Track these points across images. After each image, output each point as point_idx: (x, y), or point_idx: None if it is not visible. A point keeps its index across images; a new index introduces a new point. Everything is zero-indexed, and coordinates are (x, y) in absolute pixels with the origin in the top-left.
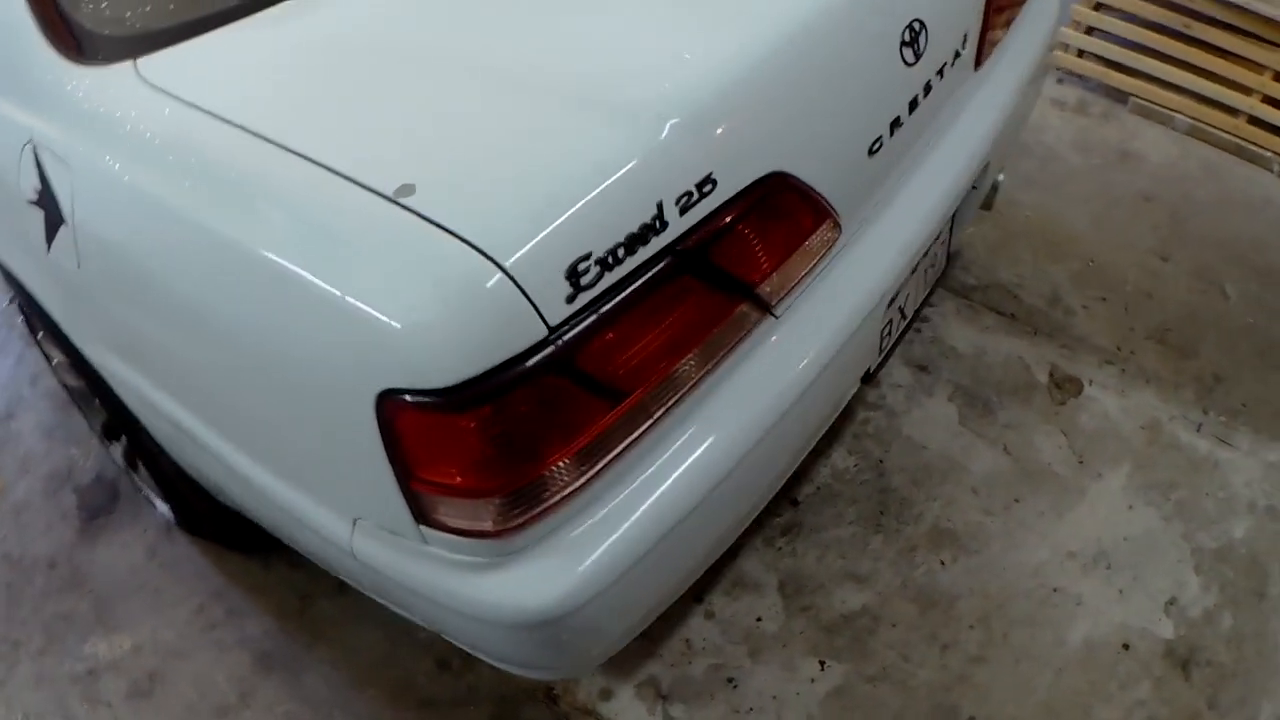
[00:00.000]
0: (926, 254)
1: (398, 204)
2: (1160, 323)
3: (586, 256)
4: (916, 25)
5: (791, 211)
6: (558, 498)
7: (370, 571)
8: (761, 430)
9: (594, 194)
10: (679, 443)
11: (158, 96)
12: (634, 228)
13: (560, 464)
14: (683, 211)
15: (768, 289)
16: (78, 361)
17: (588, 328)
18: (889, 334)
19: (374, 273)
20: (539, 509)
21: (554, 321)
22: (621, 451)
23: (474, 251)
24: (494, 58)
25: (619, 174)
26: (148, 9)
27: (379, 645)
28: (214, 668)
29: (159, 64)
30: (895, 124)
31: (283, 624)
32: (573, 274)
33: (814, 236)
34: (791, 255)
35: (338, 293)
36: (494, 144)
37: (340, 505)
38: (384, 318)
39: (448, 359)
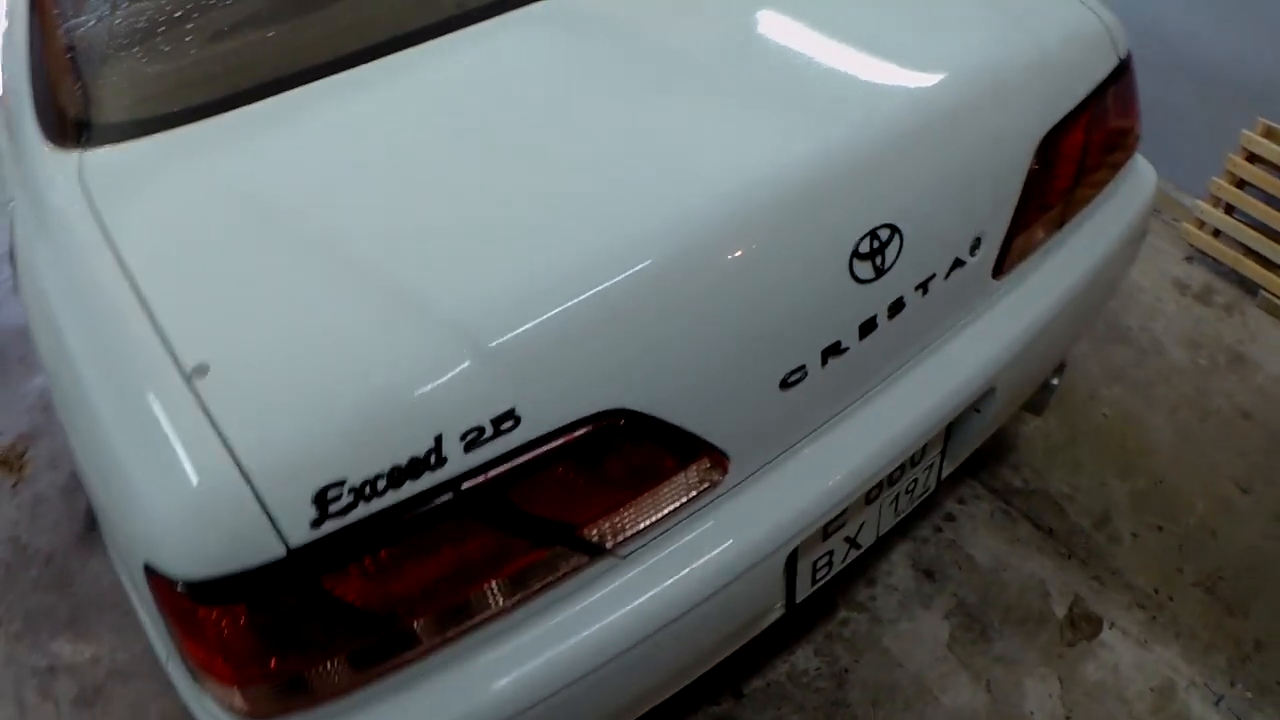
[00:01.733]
0: (888, 484)
1: (188, 383)
2: (1215, 568)
3: (340, 483)
4: (884, 232)
5: (640, 451)
6: (318, 697)
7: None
8: (582, 669)
9: (364, 415)
10: (484, 659)
11: (80, 194)
12: (402, 461)
13: (319, 670)
14: (469, 448)
15: (596, 533)
16: None
17: (335, 555)
18: (826, 565)
19: (151, 449)
20: (296, 704)
21: (294, 544)
22: (399, 666)
23: (229, 456)
24: (353, 232)
25: (398, 400)
26: (115, 97)
27: None
28: (151, 700)
29: (99, 161)
30: (833, 350)
31: None
32: (321, 499)
33: (679, 477)
34: (640, 497)
35: (122, 455)
36: (298, 333)
37: (159, 638)
38: (145, 498)
39: (187, 556)
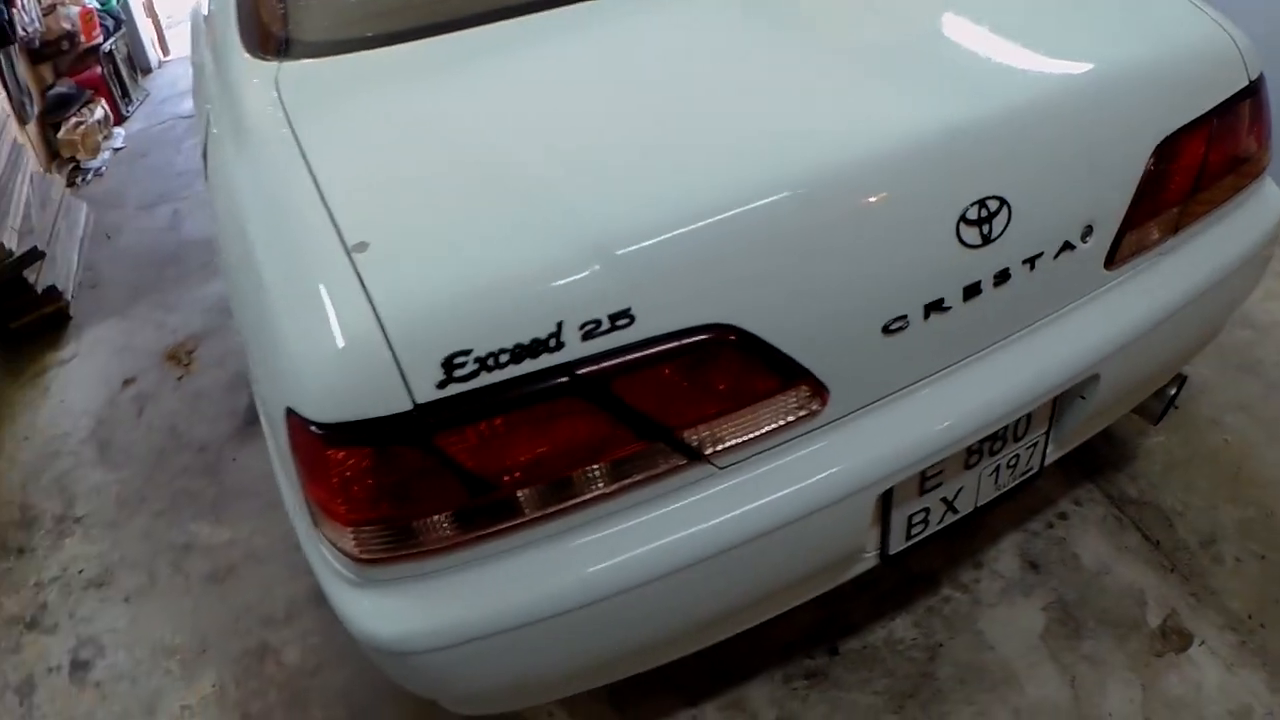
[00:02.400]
0: (988, 453)
1: (349, 256)
2: None
3: (466, 352)
4: (991, 203)
5: (743, 368)
6: (422, 549)
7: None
8: (666, 569)
9: (497, 298)
10: (574, 544)
11: (275, 101)
12: (525, 340)
13: (426, 522)
14: (586, 337)
15: (696, 437)
16: None
17: (455, 416)
18: (923, 522)
19: (307, 306)
20: (400, 552)
21: (421, 400)
22: (496, 533)
23: (375, 319)
24: (517, 148)
25: (530, 287)
26: (312, 19)
27: None
28: (279, 584)
29: (295, 73)
30: (936, 306)
31: None
32: (449, 364)
33: (778, 400)
34: (739, 411)
35: (283, 313)
36: (454, 225)
37: (289, 487)
38: (295, 347)
39: (328, 401)
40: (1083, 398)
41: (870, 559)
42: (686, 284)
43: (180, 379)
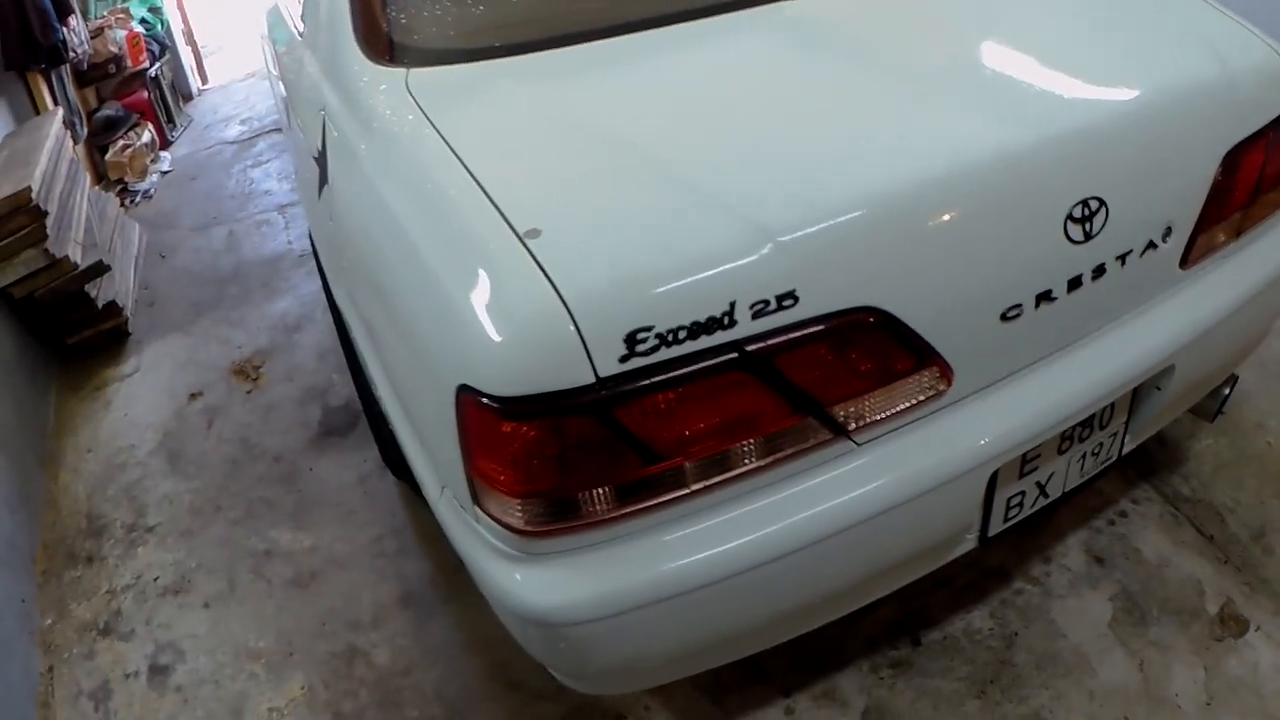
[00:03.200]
0: (1078, 439)
1: (523, 242)
2: None
3: (648, 329)
4: (1094, 203)
5: (885, 348)
6: (583, 522)
7: (448, 534)
8: (806, 540)
9: (676, 279)
10: (722, 519)
11: (409, 104)
12: (701, 318)
13: (590, 494)
14: (755, 316)
15: (841, 413)
16: (329, 296)
17: (635, 389)
18: (1019, 505)
19: (483, 289)
20: (563, 524)
21: (604, 374)
22: (655, 506)
23: (558, 298)
24: (664, 145)
25: (705, 270)
26: (436, 29)
27: (500, 625)
28: (365, 588)
29: (425, 78)
30: (1045, 297)
31: (436, 574)
32: (631, 339)
33: (911, 379)
34: (877, 389)
35: (455, 297)
36: (620, 214)
37: (438, 469)
38: (472, 327)
39: (508, 375)
40: (1158, 389)
41: (971, 540)
42: (843, 269)
43: (249, 393)
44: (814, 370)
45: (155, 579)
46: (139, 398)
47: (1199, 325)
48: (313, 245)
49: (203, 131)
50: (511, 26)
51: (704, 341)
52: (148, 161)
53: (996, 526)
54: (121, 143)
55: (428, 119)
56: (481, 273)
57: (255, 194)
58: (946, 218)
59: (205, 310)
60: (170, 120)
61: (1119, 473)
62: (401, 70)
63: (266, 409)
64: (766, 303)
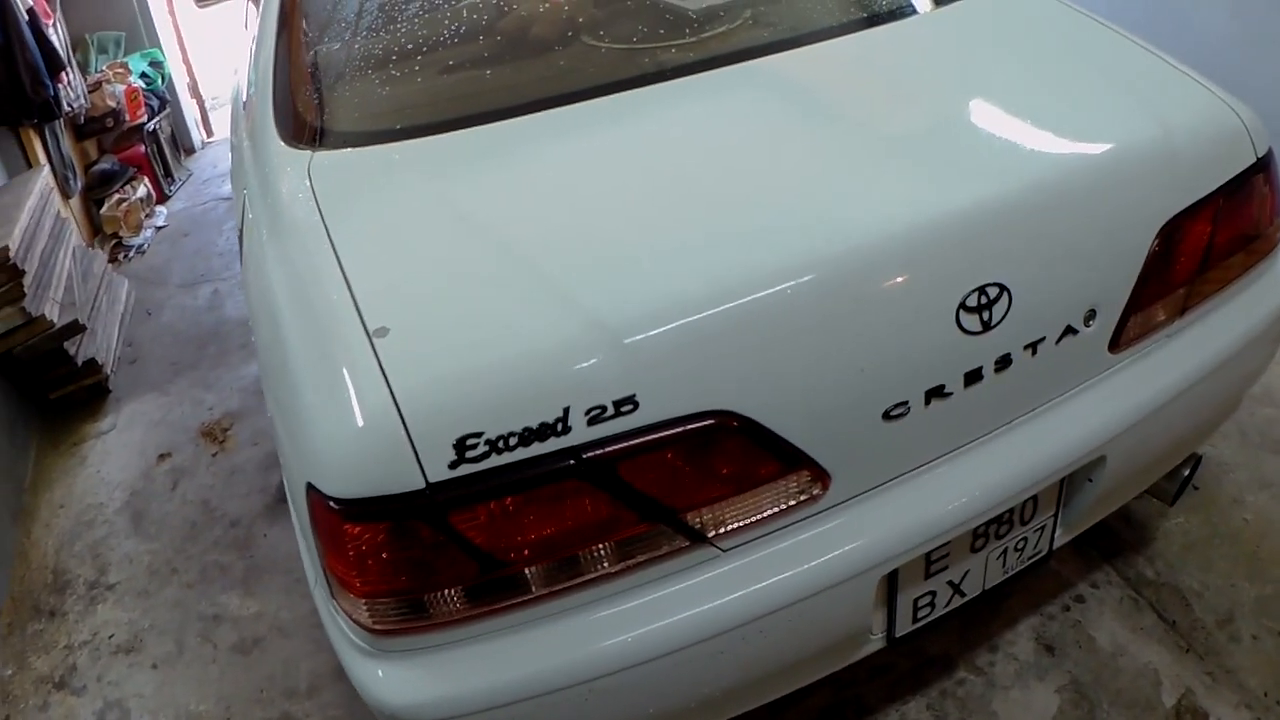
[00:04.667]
0: (994, 536)
1: (370, 340)
2: None
3: (478, 434)
4: (992, 290)
5: (744, 453)
6: (431, 621)
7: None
8: (670, 647)
9: (508, 382)
10: (582, 620)
11: (306, 189)
12: (533, 424)
13: (438, 595)
14: (591, 422)
15: (697, 520)
16: None
17: (466, 496)
18: (929, 605)
19: (330, 387)
20: (411, 624)
21: (434, 479)
22: (505, 609)
23: (391, 400)
24: (536, 237)
25: (538, 372)
26: (346, 110)
27: None
28: (303, 657)
29: (326, 161)
30: (937, 393)
31: None
32: (460, 445)
33: (779, 484)
34: (741, 495)
35: (306, 392)
36: (470, 312)
37: (311, 560)
38: (316, 425)
39: (344, 478)
40: (1090, 480)
41: (877, 641)
42: (689, 371)
43: (215, 455)
44: (662, 477)
45: (110, 637)
46: (112, 455)
47: (1133, 413)
48: None
49: (200, 186)
50: (419, 107)
51: (537, 449)
52: (142, 216)
53: (904, 627)
54: (117, 197)
55: (317, 207)
56: (331, 369)
57: (238, 252)
58: (815, 310)
59: (183, 370)
60: (169, 174)
61: (1078, 555)
62: (307, 153)
63: (230, 472)
64: (603, 408)
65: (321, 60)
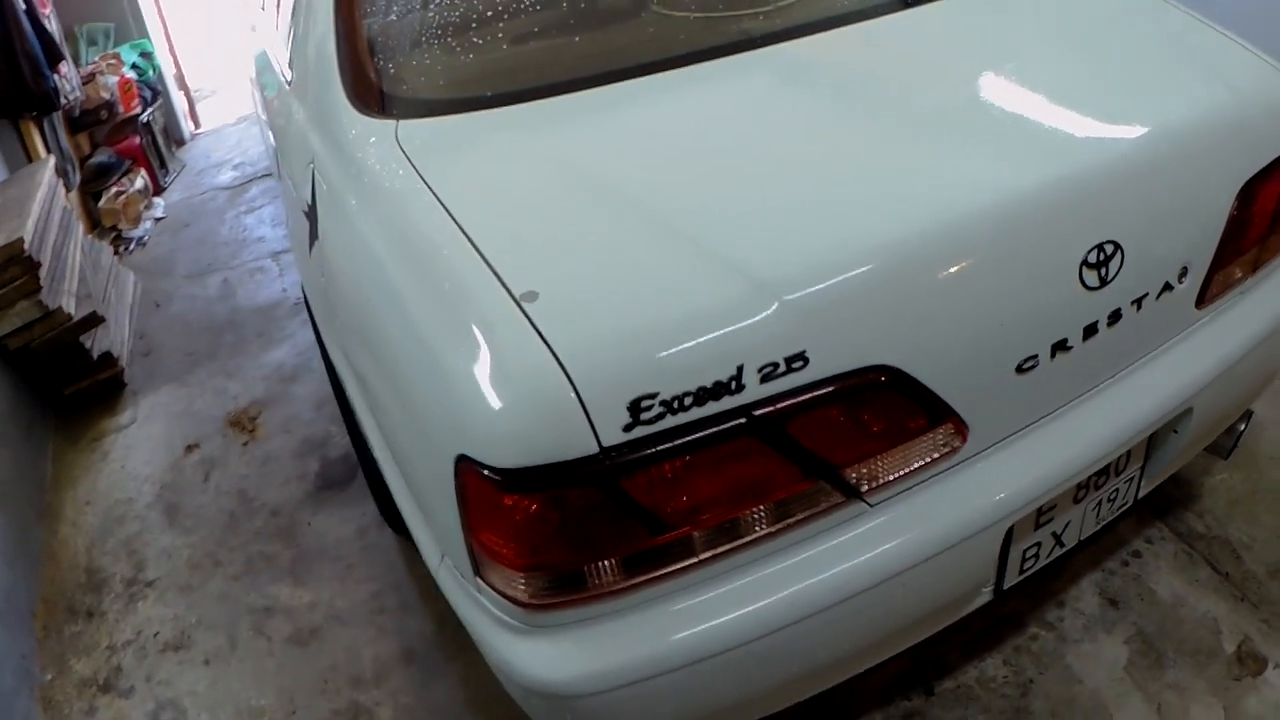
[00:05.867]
0: (1094, 487)
1: (519, 306)
2: None
3: (653, 395)
4: (1108, 248)
5: (898, 407)
6: (589, 594)
7: (450, 603)
8: (820, 605)
9: (680, 342)
10: (732, 586)
11: (399, 157)
12: (708, 383)
13: (596, 566)
14: (764, 380)
15: (854, 475)
16: (322, 350)
17: (640, 458)
18: (1034, 556)
19: (481, 356)
20: (568, 597)
21: (607, 443)
22: (664, 576)
23: (558, 365)
24: (663, 199)
25: (710, 332)
26: (425, 80)
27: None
28: (366, 644)
29: (415, 130)
30: (1060, 346)
31: (438, 631)
32: (635, 407)
33: (926, 437)
34: (892, 449)
35: (451, 363)
36: (620, 273)
37: (437, 537)
38: (470, 395)
39: (509, 446)
40: (1175, 431)
41: (987, 594)
42: (852, 328)
43: (246, 444)
44: (825, 433)
45: (155, 634)
46: (136, 449)
47: (1217, 365)
48: (305, 296)
49: (195, 177)
50: (502, 75)
51: (711, 408)
52: (141, 208)
53: (1012, 579)
54: (115, 189)
55: (419, 174)
56: (478, 338)
57: (249, 240)
58: (957, 269)
59: (201, 360)
60: (163, 166)
61: (1131, 513)
62: (391, 122)
63: (263, 461)
64: (775, 365)
65: (394, 30)
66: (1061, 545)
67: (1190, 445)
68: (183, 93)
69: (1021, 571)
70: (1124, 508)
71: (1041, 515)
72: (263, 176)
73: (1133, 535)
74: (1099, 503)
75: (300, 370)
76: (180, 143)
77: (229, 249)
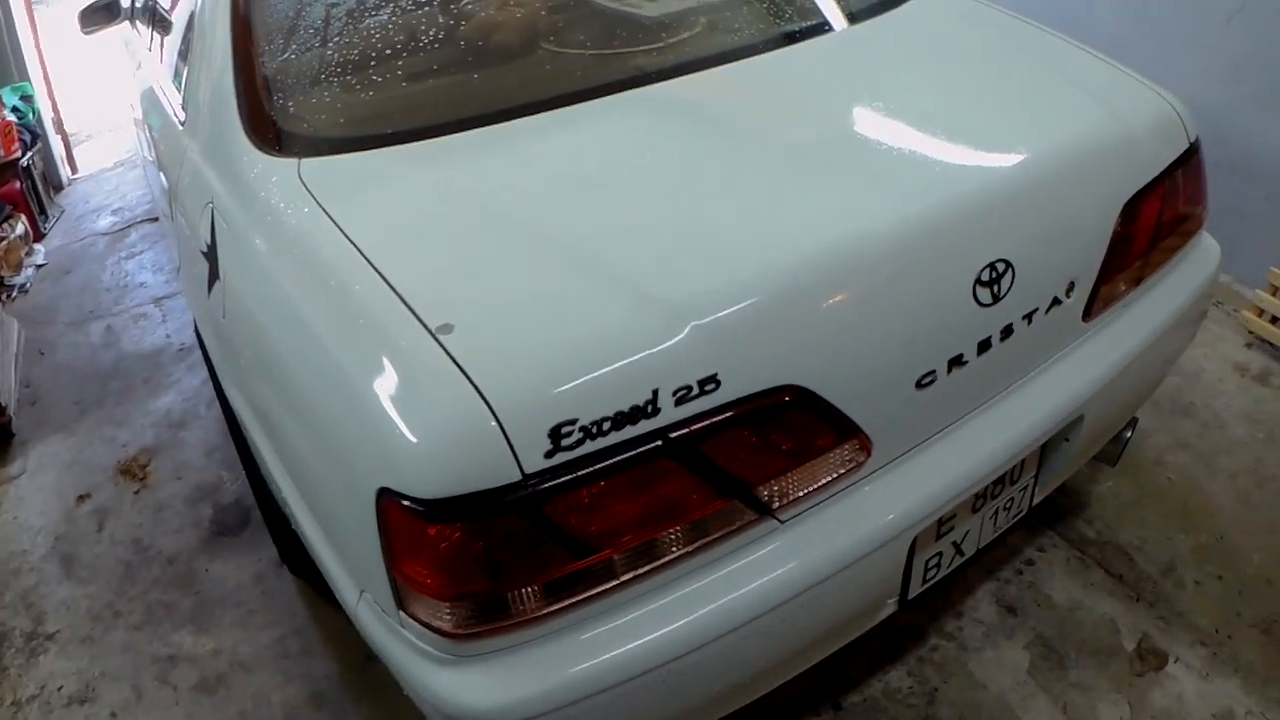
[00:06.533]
0: (991, 496)
1: (435, 338)
2: (1271, 612)
3: (572, 422)
4: (1000, 265)
5: (806, 425)
6: (514, 621)
7: (369, 640)
8: (738, 621)
9: (596, 370)
10: (652, 607)
11: (304, 195)
12: (625, 407)
13: (520, 593)
14: (679, 402)
15: (766, 493)
16: (220, 394)
17: (561, 483)
18: (936, 566)
19: (400, 389)
20: (494, 625)
21: (529, 470)
22: (587, 599)
23: (477, 395)
24: (569, 229)
25: (625, 359)
26: (325, 117)
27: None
28: (274, 690)
29: (317, 168)
30: (957, 361)
31: (344, 673)
32: (555, 434)
33: (833, 454)
34: (801, 466)
35: (369, 398)
36: (533, 303)
37: (355, 573)
38: (391, 428)
39: (431, 477)
40: (1067, 440)
41: (892, 605)
42: (760, 349)
43: (137, 493)
44: (738, 452)
45: (59, 689)
46: (28, 500)
47: (1105, 374)
48: (199, 339)
49: (75, 223)
50: (402, 113)
51: (629, 431)
52: (22, 255)
53: (915, 589)
54: None
55: (325, 211)
56: (395, 372)
57: (131, 286)
58: (858, 291)
59: (89, 408)
60: (43, 211)
61: (1021, 523)
62: (293, 161)
63: (156, 509)
64: (689, 388)
65: (292, 68)
66: (962, 554)
67: (1081, 452)
68: (60, 136)
69: (925, 581)
70: (1019, 515)
71: (942, 526)
72: (142, 221)
73: (1025, 545)
74: (996, 511)
75: (188, 416)
76: (58, 188)
77: (111, 295)
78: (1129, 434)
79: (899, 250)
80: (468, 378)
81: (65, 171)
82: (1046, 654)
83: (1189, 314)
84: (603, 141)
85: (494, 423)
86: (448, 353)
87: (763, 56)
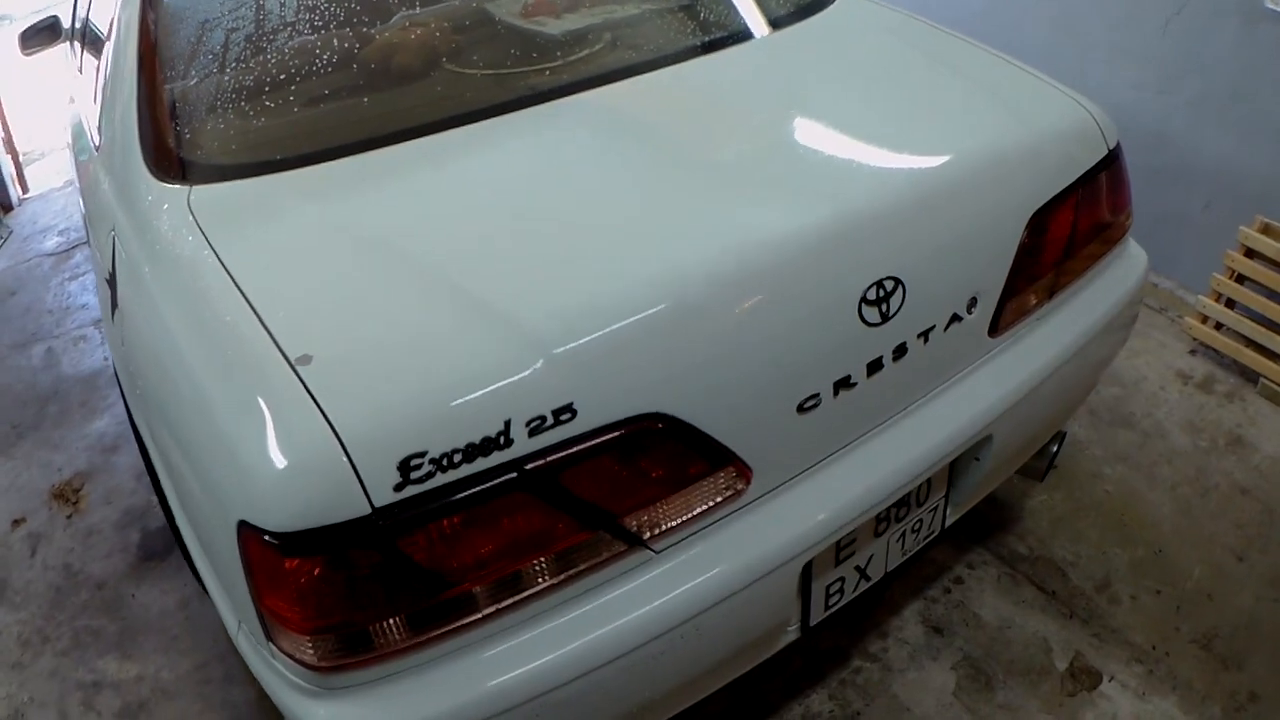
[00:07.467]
0: (895, 519)
1: (294, 369)
2: (1211, 627)
3: (421, 454)
4: (889, 284)
5: (677, 454)
6: (378, 653)
7: (251, 670)
8: (613, 653)
9: (448, 400)
10: (526, 637)
11: (190, 224)
12: (476, 439)
13: (381, 625)
14: (532, 434)
15: (635, 523)
16: (130, 419)
17: (414, 516)
18: (839, 591)
19: (257, 421)
20: (358, 657)
21: (379, 504)
22: (454, 631)
23: (328, 427)
24: (442, 257)
25: (479, 390)
26: (218, 144)
27: None
28: (194, 717)
29: (207, 195)
30: (844, 383)
31: (263, 699)
32: (404, 466)
33: (708, 482)
34: (673, 496)
35: (231, 428)
36: (394, 333)
37: (233, 604)
38: (247, 460)
39: (284, 510)
40: (977, 459)
41: (793, 632)
42: (620, 377)
43: (70, 517)
44: (601, 483)
45: None
46: None
47: (1014, 392)
48: (114, 365)
49: (23, 244)
50: (295, 138)
51: (481, 464)
52: None
53: (818, 615)
54: None
55: (206, 240)
56: (255, 403)
57: (73, 308)
58: (730, 313)
59: (26, 432)
60: None
61: (951, 539)
62: (185, 188)
63: (87, 533)
64: (543, 419)
65: (191, 95)
66: (867, 579)
67: (995, 472)
68: (10, 156)
69: (828, 607)
70: (931, 537)
71: (841, 550)
72: (85, 243)
73: (953, 562)
74: (903, 534)
75: (121, 439)
76: (8, 208)
77: (53, 317)
78: (1055, 448)
79: (774, 271)
80: (320, 410)
81: (15, 191)
82: (974, 675)
83: (1112, 324)
84: (492, 164)
85: (343, 456)
86: (304, 384)
87: (670, 69)
